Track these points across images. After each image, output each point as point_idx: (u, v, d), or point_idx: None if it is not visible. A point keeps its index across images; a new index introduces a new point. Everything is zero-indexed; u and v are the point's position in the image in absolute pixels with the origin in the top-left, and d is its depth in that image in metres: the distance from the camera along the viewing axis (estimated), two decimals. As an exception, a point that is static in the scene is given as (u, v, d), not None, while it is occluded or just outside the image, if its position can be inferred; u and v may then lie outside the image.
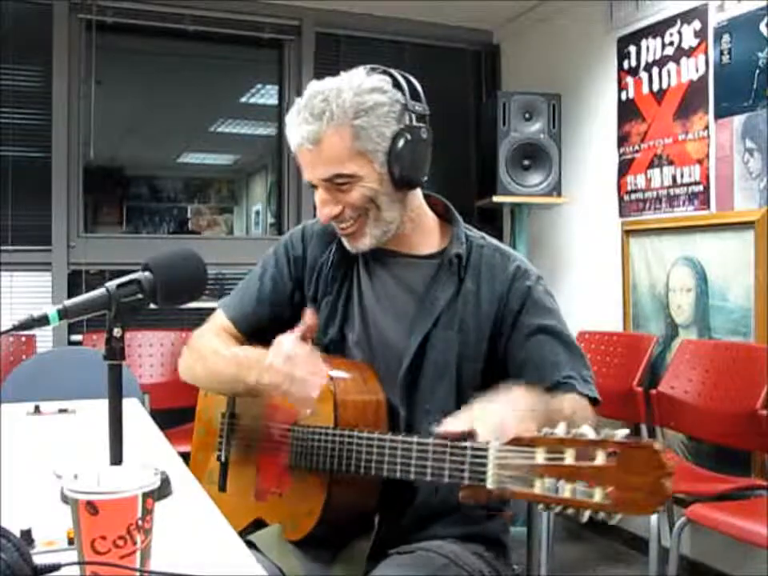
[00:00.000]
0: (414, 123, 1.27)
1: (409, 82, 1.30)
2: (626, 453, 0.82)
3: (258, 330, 1.40)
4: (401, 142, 1.25)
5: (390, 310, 1.35)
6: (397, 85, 1.28)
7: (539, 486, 0.88)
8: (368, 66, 1.31)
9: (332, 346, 1.37)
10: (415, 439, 1.10)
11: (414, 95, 1.29)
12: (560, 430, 0.89)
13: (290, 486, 1.29)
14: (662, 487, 0.81)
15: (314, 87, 1.27)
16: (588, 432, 0.87)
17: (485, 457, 0.96)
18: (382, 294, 1.36)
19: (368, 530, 1.26)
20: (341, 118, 1.22)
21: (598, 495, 0.83)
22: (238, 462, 1.41)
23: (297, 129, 1.26)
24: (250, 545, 1.23)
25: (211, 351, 1.38)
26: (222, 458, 1.42)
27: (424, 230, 1.37)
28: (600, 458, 0.84)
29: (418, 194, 1.36)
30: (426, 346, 1.29)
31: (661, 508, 0.82)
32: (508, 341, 1.29)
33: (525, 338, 1.27)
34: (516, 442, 0.92)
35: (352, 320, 1.37)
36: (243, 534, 1.25)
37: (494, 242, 1.40)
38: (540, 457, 0.89)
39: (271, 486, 1.32)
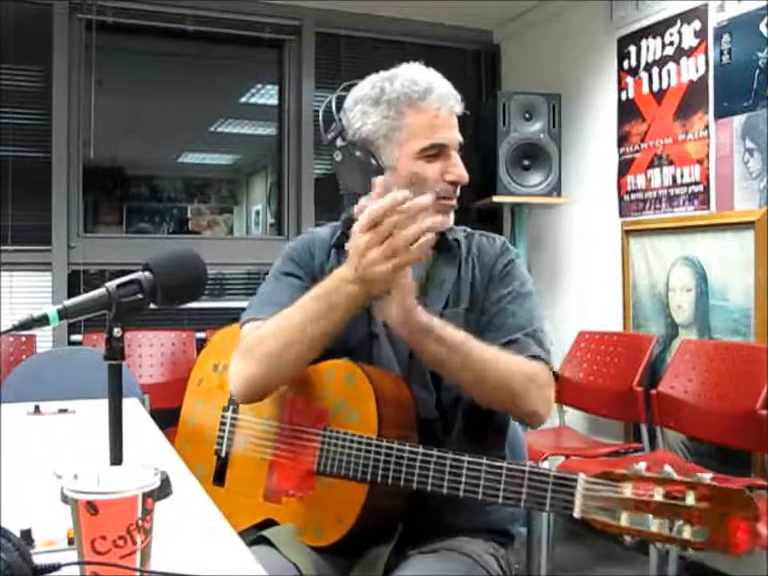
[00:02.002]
0: None
1: None
2: (716, 496, 0.89)
3: None
4: None
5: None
6: None
7: (625, 520, 0.94)
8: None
9: (361, 347, 1.35)
10: (485, 461, 1.11)
11: None
12: (642, 467, 0.95)
13: (315, 491, 1.25)
14: (753, 529, 0.91)
15: (438, 74, 1.37)
16: (673, 472, 0.93)
17: (573, 487, 1.00)
18: None
19: (390, 536, 1.25)
20: (460, 107, 1.35)
21: (687, 533, 0.91)
22: (242, 459, 1.37)
23: (445, 98, 1.32)
24: (262, 540, 1.22)
25: (272, 326, 1.25)
26: (223, 453, 1.39)
27: None
28: (690, 499, 0.90)
29: None
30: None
31: (747, 551, 0.92)
32: (483, 308, 1.35)
33: (495, 304, 1.34)
34: (606, 474, 0.97)
35: (374, 317, 1.36)
36: (246, 533, 1.24)
37: (476, 231, 1.47)
38: (628, 491, 0.95)
39: (289, 488, 1.28)
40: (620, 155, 3.38)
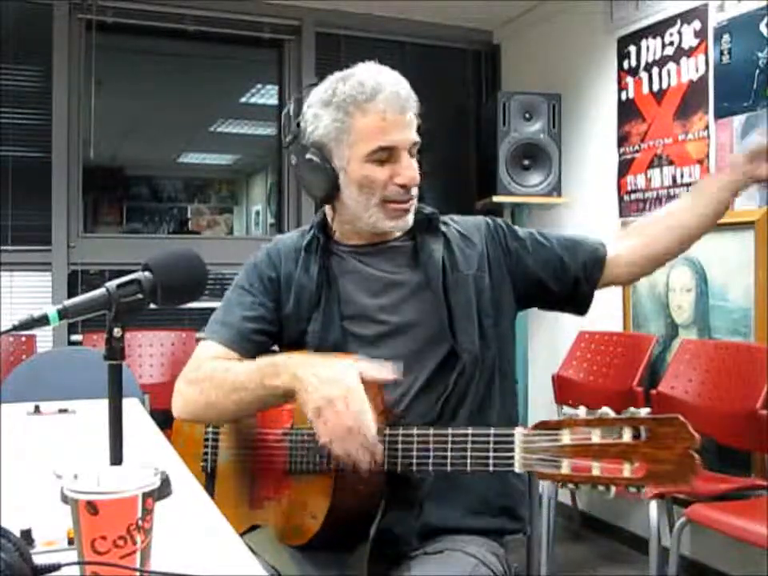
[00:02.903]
0: None
1: None
2: (653, 428, 0.86)
3: (253, 353, 1.34)
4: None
5: (393, 287, 1.36)
6: None
7: (567, 466, 0.91)
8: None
9: (335, 348, 1.34)
10: (431, 431, 1.10)
11: None
12: (582, 412, 0.92)
13: (290, 491, 1.27)
14: (691, 457, 0.85)
15: (393, 73, 1.33)
16: (610, 412, 0.90)
17: (511, 443, 0.99)
18: (377, 280, 1.37)
19: (368, 532, 1.25)
20: (414, 105, 1.33)
21: (626, 470, 0.87)
22: (227, 472, 1.38)
23: (394, 93, 1.29)
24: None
25: (222, 370, 1.27)
26: (208, 469, 1.40)
27: None
28: (627, 435, 0.88)
29: None
30: (446, 290, 1.33)
31: (693, 478, 0.86)
32: (518, 264, 1.40)
33: (531, 249, 1.42)
34: (542, 425, 0.95)
35: (355, 317, 1.36)
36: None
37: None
38: (566, 438, 0.92)
39: (269, 492, 1.30)
40: (620, 155, 3.38)
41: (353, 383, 1.11)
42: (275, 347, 1.42)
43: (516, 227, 1.48)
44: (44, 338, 3.39)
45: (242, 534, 1.27)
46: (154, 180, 4.71)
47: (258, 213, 4.87)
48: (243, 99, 4.33)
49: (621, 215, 3.37)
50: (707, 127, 2.91)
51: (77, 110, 3.55)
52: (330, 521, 1.18)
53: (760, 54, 2.69)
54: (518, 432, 0.99)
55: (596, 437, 0.90)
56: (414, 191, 1.33)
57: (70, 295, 3.37)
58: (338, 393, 1.10)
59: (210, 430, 1.42)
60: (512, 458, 0.99)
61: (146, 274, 1.07)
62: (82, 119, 3.56)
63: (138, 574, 0.76)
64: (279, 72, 4.06)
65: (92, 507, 0.75)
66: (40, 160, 3.51)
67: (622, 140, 3.36)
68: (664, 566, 2.37)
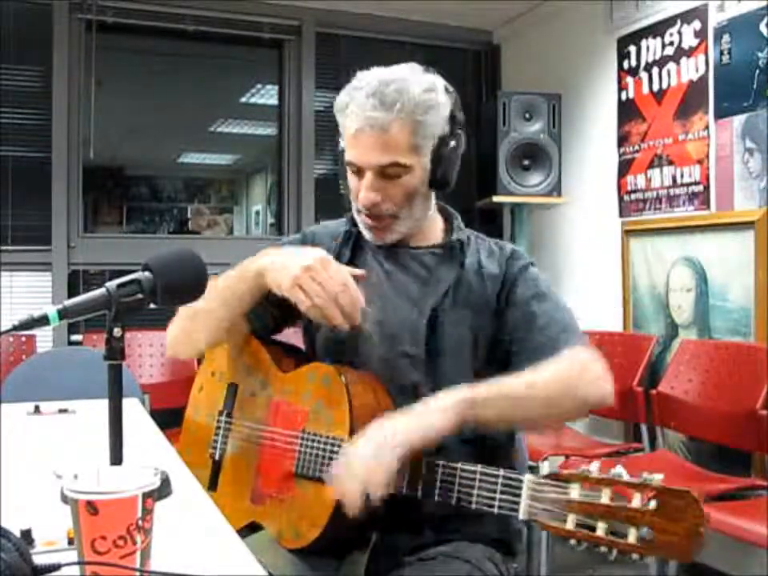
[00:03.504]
0: (458, 129, 1.33)
1: (455, 93, 1.36)
2: (664, 498, 0.86)
3: (263, 318, 1.42)
4: (447, 144, 1.30)
5: (402, 296, 1.37)
6: (447, 90, 1.33)
7: (572, 522, 0.91)
8: (421, 66, 1.35)
9: (347, 339, 1.36)
10: (441, 463, 1.10)
11: (456, 102, 1.35)
12: (593, 467, 0.92)
13: (294, 492, 1.26)
14: (699, 534, 0.85)
15: (380, 75, 1.29)
16: (623, 473, 0.90)
17: (519, 488, 0.98)
18: (393, 283, 1.38)
19: (366, 542, 1.25)
20: (410, 111, 1.25)
21: (632, 536, 0.87)
22: (233, 463, 1.39)
23: (363, 112, 1.26)
24: None
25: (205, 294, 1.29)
26: (216, 457, 1.41)
27: (430, 226, 1.42)
28: (636, 501, 0.87)
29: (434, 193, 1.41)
30: (437, 324, 1.31)
31: (698, 553, 0.86)
32: (505, 316, 1.33)
33: (520, 307, 1.32)
34: (553, 476, 0.95)
35: (365, 311, 1.37)
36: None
37: (488, 237, 1.46)
38: (575, 493, 0.91)
39: (271, 490, 1.30)
40: (620, 155, 3.38)
41: (321, 251, 1.25)
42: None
43: (534, 274, 1.38)
44: (44, 337, 3.38)
45: (239, 533, 1.28)
46: (154, 180, 4.71)
47: (257, 213, 4.87)
48: (243, 99, 4.33)
49: (621, 215, 3.37)
50: (707, 127, 2.91)
51: (77, 110, 3.55)
52: (328, 531, 1.18)
53: (760, 54, 2.69)
54: (527, 479, 0.98)
55: (605, 497, 0.89)
56: (385, 212, 1.30)
57: (70, 295, 3.37)
58: (312, 259, 1.22)
59: (222, 418, 1.42)
60: (518, 503, 0.99)
61: (146, 273, 1.07)
62: (82, 119, 3.56)
63: (137, 573, 0.76)
64: (279, 72, 4.06)
65: (92, 507, 0.75)
66: (40, 160, 3.51)
67: (622, 140, 3.37)
68: (664, 566, 2.36)
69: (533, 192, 3.45)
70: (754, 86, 2.71)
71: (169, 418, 2.17)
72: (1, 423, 1.56)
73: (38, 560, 0.81)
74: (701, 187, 2.95)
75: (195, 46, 3.92)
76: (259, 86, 4.25)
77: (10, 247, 3.40)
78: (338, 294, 1.20)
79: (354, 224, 1.42)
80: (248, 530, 1.29)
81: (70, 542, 0.91)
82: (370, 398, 1.26)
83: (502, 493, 1.01)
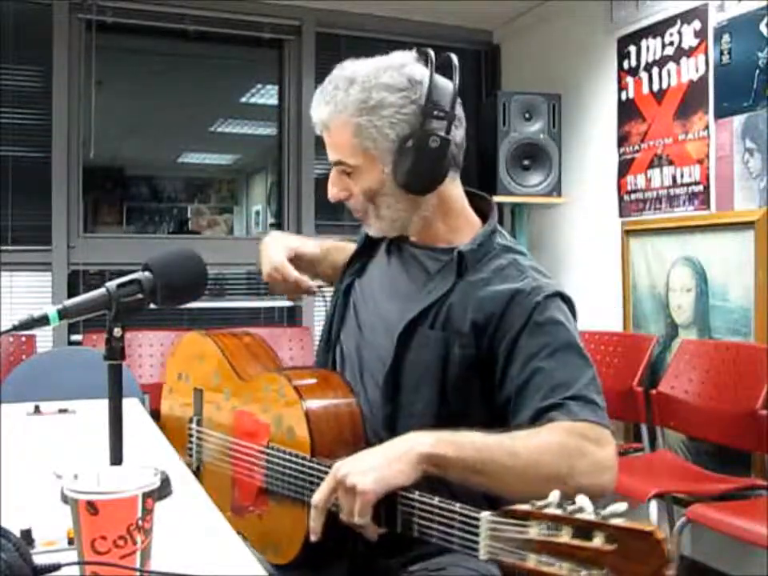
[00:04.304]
0: (432, 126, 1.20)
1: (448, 65, 1.24)
2: (626, 539, 0.79)
3: None
4: (407, 146, 1.20)
5: (393, 296, 1.32)
6: (419, 82, 1.21)
7: (533, 560, 0.84)
8: (414, 51, 1.26)
9: (334, 337, 1.37)
10: (400, 493, 1.02)
11: (443, 96, 1.22)
12: (554, 499, 0.85)
13: (268, 508, 1.24)
14: None
15: (337, 69, 1.26)
16: (587, 507, 0.82)
17: (477, 527, 0.91)
18: (391, 278, 1.35)
19: (345, 556, 1.22)
20: (342, 111, 1.21)
21: None
22: (211, 471, 1.37)
23: (313, 111, 1.27)
24: None
25: None
26: (194, 467, 1.39)
27: (450, 226, 1.30)
28: (598, 540, 0.80)
29: (443, 192, 1.27)
30: (410, 340, 1.22)
31: None
32: (505, 369, 1.16)
33: (523, 360, 1.14)
34: (510, 512, 0.89)
35: (356, 296, 1.38)
36: None
37: (520, 255, 1.28)
38: (534, 531, 0.85)
39: (248, 504, 1.27)
40: (620, 155, 3.38)
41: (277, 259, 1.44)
42: None
43: (553, 316, 1.18)
44: (44, 337, 3.38)
45: None
46: (154, 180, 4.71)
47: (257, 213, 4.87)
48: (243, 99, 4.33)
49: (621, 215, 3.37)
50: (707, 127, 2.91)
51: (77, 110, 3.55)
52: (307, 546, 1.13)
53: (760, 54, 2.69)
54: (484, 518, 0.90)
55: (566, 535, 0.82)
56: (354, 206, 1.29)
57: (70, 295, 3.37)
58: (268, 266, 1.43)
59: (193, 426, 1.41)
60: (477, 543, 0.91)
61: (146, 273, 1.07)
62: (82, 119, 3.56)
63: (137, 573, 0.76)
64: (279, 72, 4.06)
65: (92, 507, 0.75)
66: (40, 160, 3.51)
67: (622, 140, 3.36)
68: (664, 566, 2.36)
69: (533, 192, 3.45)
70: (754, 86, 2.71)
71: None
72: (1, 423, 1.56)
73: (38, 560, 0.81)
74: (701, 187, 2.95)
75: (195, 46, 3.92)
76: (259, 85, 4.24)
77: (10, 247, 3.40)
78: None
79: None
80: None
81: (70, 541, 0.91)
82: (334, 410, 1.21)
83: (460, 530, 0.94)
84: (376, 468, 1.02)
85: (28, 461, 1.41)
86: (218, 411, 1.37)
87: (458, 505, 0.95)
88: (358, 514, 1.01)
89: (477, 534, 0.91)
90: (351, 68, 1.24)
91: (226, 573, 0.90)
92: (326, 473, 1.08)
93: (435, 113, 1.20)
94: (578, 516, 0.82)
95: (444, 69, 1.24)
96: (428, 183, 1.24)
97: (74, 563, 0.78)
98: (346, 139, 1.22)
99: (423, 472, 1.02)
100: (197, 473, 1.38)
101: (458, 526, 0.94)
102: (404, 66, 1.23)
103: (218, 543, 1.00)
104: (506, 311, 1.17)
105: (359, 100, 1.20)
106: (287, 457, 1.19)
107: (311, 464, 1.14)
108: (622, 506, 0.80)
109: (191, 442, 1.42)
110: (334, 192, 1.30)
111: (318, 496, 1.06)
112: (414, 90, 1.20)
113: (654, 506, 2.33)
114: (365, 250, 1.42)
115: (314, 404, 1.19)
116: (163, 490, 1.10)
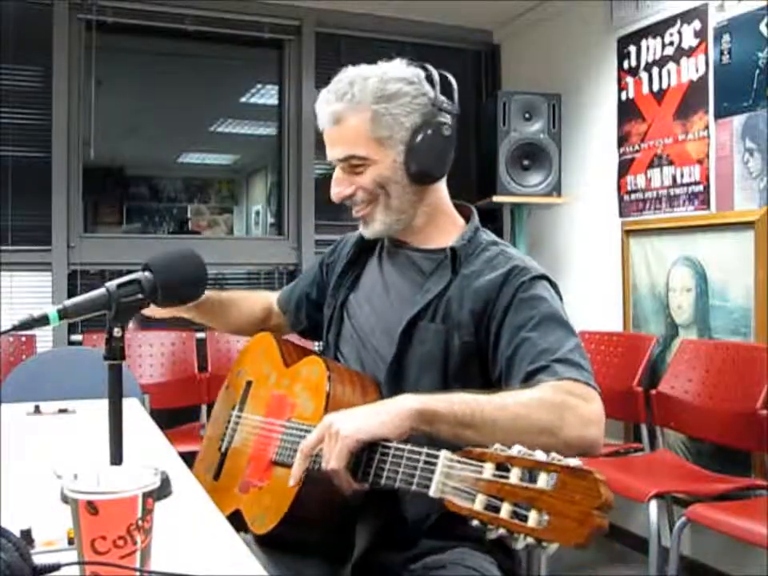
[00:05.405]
0: (440, 119, 1.28)
1: (446, 81, 1.32)
2: (565, 478, 0.78)
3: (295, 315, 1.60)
4: (420, 136, 1.27)
5: (388, 298, 1.37)
6: (429, 79, 1.30)
7: (480, 503, 0.84)
8: (405, 59, 1.33)
9: (333, 348, 1.43)
10: (380, 444, 1.05)
11: (447, 93, 1.31)
12: (514, 450, 0.85)
13: (271, 480, 1.27)
14: (591, 518, 0.76)
15: (343, 72, 1.30)
16: (539, 454, 0.82)
17: (434, 464, 0.93)
18: (386, 283, 1.39)
19: (345, 545, 1.24)
20: (361, 100, 1.26)
21: (532, 520, 0.79)
22: (234, 454, 1.43)
23: (321, 108, 1.30)
24: None
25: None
26: (222, 449, 1.45)
27: (439, 227, 1.36)
28: (542, 481, 0.80)
29: (438, 190, 1.36)
30: (412, 336, 1.27)
31: (587, 541, 0.77)
32: (495, 345, 1.22)
33: (512, 332, 1.20)
34: (466, 453, 0.89)
35: (352, 308, 1.41)
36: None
37: (506, 246, 1.36)
38: (487, 472, 0.85)
39: (255, 479, 1.31)
40: (620, 155, 3.38)
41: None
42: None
43: (536, 293, 1.24)
44: (44, 337, 3.38)
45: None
46: (154, 180, 4.70)
47: (257, 213, 4.86)
48: (243, 99, 4.33)
49: (621, 215, 3.37)
50: (707, 127, 2.91)
51: (77, 110, 3.55)
52: (290, 515, 1.15)
53: (760, 54, 2.69)
54: (443, 455, 0.92)
55: (515, 477, 0.82)
56: (360, 200, 1.31)
57: (70, 295, 3.37)
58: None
59: (234, 413, 1.47)
60: (430, 479, 0.92)
61: (146, 273, 1.08)
62: (82, 119, 3.56)
63: (137, 573, 0.76)
64: (279, 72, 4.06)
65: (92, 507, 0.75)
66: (40, 160, 3.51)
67: (622, 140, 3.37)
68: (664, 566, 2.37)
69: (533, 192, 3.45)
70: (754, 86, 2.71)
71: (169, 418, 2.17)
72: (1, 423, 1.56)
73: (38, 560, 0.81)
74: (701, 187, 2.95)
75: (195, 46, 3.92)
76: (259, 85, 4.24)
77: (10, 247, 3.40)
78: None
79: None
80: (231, 518, 1.25)
81: (70, 541, 0.91)
82: (354, 395, 1.25)
83: (421, 470, 0.96)
84: (362, 418, 1.06)
85: (28, 461, 1.41)
86: (260, 398, 1.42)
87: (425, 448, 0.98)
88: (335, 458, 1.04)
89: (433, 472, 0.93)
90: (360, 68, 1.30)
91: (226, 573, 0.90)
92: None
93: (444, 105, 1.29)
94: (528, 456, 0.82)
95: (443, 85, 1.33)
96: (437, 171, 1.31)
97: (74, 563, 0.78)
98: (361, 128, 1.26)
99: (411, 429, 1.05)
100: (223, 456, 1.44)
101: (420, 466, 0.96)
102: (410, 65, 1.31)
103: (217, 543, 1.00)
104: (499, 293, 1.23)
105: (377, 89, 1.26)
106: (301, 428, 1.22)
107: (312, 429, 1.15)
108: (573, 461, 0.80)
109: (227, 428, 1.47)
110: (338, 191, 1.32)
111: (305, 442, 1.09)
112: (422, 84, 1.29)
113: (653, 505, 2.33)
114: (356, 262, 1.45)
115: (337, 384, 1.23)
116: (163, 489, 1.10)
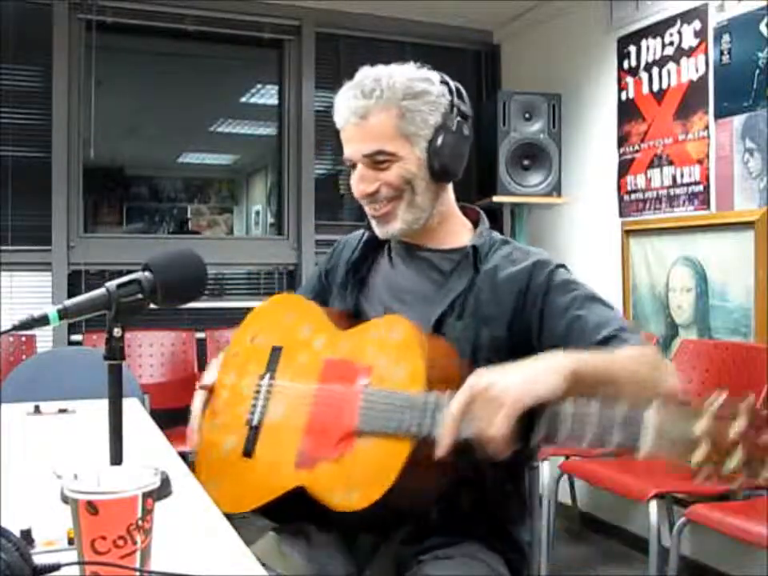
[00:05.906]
0: (458, 119, 1.33)
1: (456, 86, 1.37)
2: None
3: None
4: (443, 134, 1.30)
5: (407, 300, 1.35)
6: (445, 83, 1.34)
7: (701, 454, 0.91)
8: (416, 63, 1.36)
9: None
10: (555, 408, 1.02)
11: (459, 96, 1.36)
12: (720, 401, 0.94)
13: (354, 451, 1.16)
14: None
15: (366, 70, 1.32)
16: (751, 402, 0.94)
17: (638, 421, 0.96)
18: (400, 285, 1.38)
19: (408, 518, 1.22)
20: (390, 96, 1.27)
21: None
22: (274, 428, 1.29)
23: (345, 104, 1.29)
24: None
25: None
26: (254, 422, 1.31)
27: (450, 228, 1.39)
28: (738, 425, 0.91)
29: (449, 191, 1.39)
30: (441, 334, 1.27)
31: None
32: (541, 330, 1.24)
33: (562, 315, 1.23)
34: (683, 404, 0.96)
35: (366, 310, 1.38)
36: (275, 503, 1.20)
37: (518, 244, 1.42)
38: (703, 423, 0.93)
39: (324, 452, 1.19)
40: (620, 155, 3.38)
41: None
42: None
43: (570, 278, 1.30)
44: (44, 338, 3.39)
45: (282, 498, 1.21)
46: (154, 180, 4.71)
47: (257, 213, 4.87)
48: (243, 99, 4.33)
49: (621, 215, 3.37)
50: (707, 127, 2.91)
51: (77, 110, 3.55)
52: (395, 489, 1.08)
53: (760, 54, 2.69)
54: (654, 406, 0.95)
55: (736, 428, 0.93)
56: (383, 197, 1.30)
57: (70, 295, 3.37)
58: None
59: (264, 382, 1.34)
60: (638, 437, 0.95)
61: (146, 274, 1.07)
62: (82, 119, 3.56)
63: (137, 574, 0.76)
64: (279, 72, 4.06)
65: (92, 507, 0.75)
66: (40, 160, 3.51)
67: (622, 140, 3.37)
68: (664, 566, 2.36)
69: (533, 192, 3.45)
70: (754, 86, 2.71)
71: (169, 418, 2.17)
72: (1, 423, 1.56)
73: (38, 560, 0.81)
74: (701, 187, 2.95)
75: (195, 46, 3.92)
76: (259, 85, 4.24)
77: (10, 247, 3.40)
78: None
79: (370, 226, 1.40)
80: (292, 497, 1.19)
81: (70, 541, 0.91)
82: (438, 349, 1.20)
83: (623, 428, 0.97)
84: (521, 379, 1.02)
85: (28, 461, 1.41)
86: (300, 364, 1.32)
87: (618, 407, 0.99)
88: (500, 426, 0.99)
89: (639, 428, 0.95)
90: (381, 68, 1.32)
91: (225, 573, 0.90)
92: (440, 405, 1.07)
93: (462, 107, 1.35)
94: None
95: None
96: (457, 170, 1.34)
97: (74, 563, 0.78)
98: (389, 124, 1.28)
99: (566, 390, 1.02)
100: (255, 431, 1.31)
101: (618, 423, 0.97)
102: (421, 68, 1.35)
103: (218, 543, 1.00)
104: (530, 283, 1.27)
105: (406, 86, 1.29)
106: (391, 394, 1.14)
107: (425, 397, 1.10)
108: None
109: (256, 398, 1.34)
110: (363, 187, 1.31)
111: (456, 405, 1.03)
112: (440, 86, 1.34)
113: (653, 505, 2.34)
114: (360, 265, 1.44)
115: (431, 342, 1.20)
116: (163, 489, 1.10)
